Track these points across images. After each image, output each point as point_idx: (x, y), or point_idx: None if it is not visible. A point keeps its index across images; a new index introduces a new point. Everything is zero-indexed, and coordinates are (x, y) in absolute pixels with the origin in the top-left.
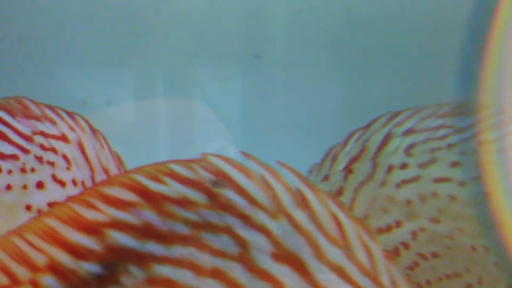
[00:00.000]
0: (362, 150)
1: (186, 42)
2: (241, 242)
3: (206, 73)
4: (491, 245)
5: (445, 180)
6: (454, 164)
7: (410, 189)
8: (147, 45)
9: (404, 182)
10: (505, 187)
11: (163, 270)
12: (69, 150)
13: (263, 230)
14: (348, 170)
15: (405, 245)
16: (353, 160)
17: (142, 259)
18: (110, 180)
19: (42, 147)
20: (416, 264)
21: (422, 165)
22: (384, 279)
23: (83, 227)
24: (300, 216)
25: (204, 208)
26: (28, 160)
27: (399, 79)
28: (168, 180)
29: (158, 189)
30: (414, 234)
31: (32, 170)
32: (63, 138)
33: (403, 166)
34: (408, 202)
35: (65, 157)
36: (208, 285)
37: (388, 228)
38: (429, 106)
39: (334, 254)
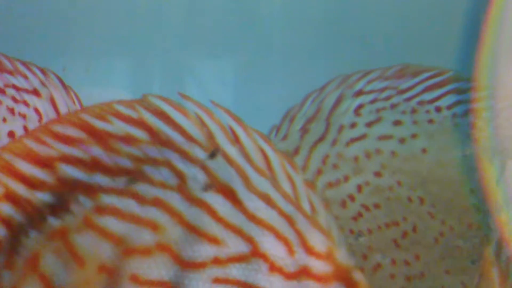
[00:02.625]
0: (317, 111)
1: (180, 29)
2: (179, 175)
3: (200, 61)
4: (425, 196)
5: (388, 138)
6: (396, 123)
7: (357, 146)
8: (140, 33)
9: (352, 140)
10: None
11: (109, 200)
12: (40, 104)
13: (199, 163)
14: (304, 130)
15: (351, 197)
16: (309, 120)
17: (90, 189)
18: (60, 119)
19: (14, 99)
20: (360, 214)
21: (368, 124)
22: (305, 205)
23: (36, 161)
24: (231, 150)
25: (146, 144)
26: (0, 110)
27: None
28: (113, 119)
29: (103, 127)
30: (359, 188)
31: (4, 120)
32: (35, 92)
33: (352, 125)
34: (356, 158)
35: (36, 110)
36: (149, 212)
37: (337, 183)
38: (377, 69)
39: (262, 183)
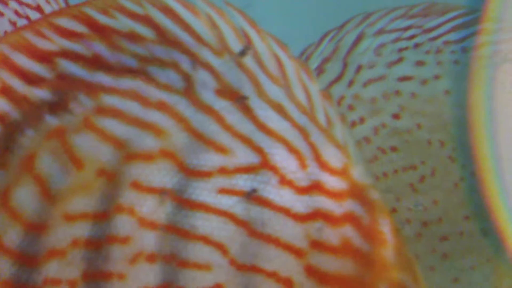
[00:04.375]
0: (334, 50)
1: None
2: (186, 78)
3: None
4: (446, 139)
5: (409, 79)
6: (419, 63)
7: (375, 87)
8: None
9: (370, 81)
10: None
11: (110, 100)
12: None
13: (208, 67)
14: (319, 70)
15: (367, 139)
16: (325, 60)
17: (91, 88)
18: (60, 11)
19: (17, 13)
20: (376, 157)
21: (389, 65)
22: (320, 117)
23: (35, 55)
24: None
25: (152, 43)
26: (2, 23)
27: None
28: (117, 14)
29: (107, 22)
30: (375, 130)
31: (5, 33)
32: (38, 8)
33: (371, 66)
34: (373, 100)
35: None
36: (153, 116)
37: (353, 124)
38: (401, 7)
39: (274, 92)
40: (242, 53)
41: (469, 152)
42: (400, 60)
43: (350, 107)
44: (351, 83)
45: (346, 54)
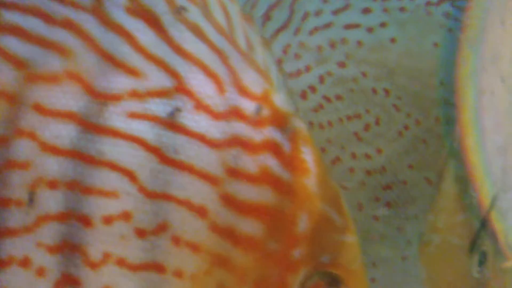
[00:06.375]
0: None
1: None
2: None
3: None
4: (391, 87)
5: (355, 27)
6: (365, 11)
7: (321, 35)
8: None
9: (316, 29)
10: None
11: (10, 16)
12: None
13: None
14: (266, 17)
15: (312, 88)
16: (272, 6)
17: None
18: None
19: None
20: (321, 106)
21: (335, 12)
22: (240, 40)
23: None
24: None
25: None
26: None
27: None
28: None
29: None
30: (321, 78)
31: None
32: None
33: (318, 13)
34: (319, 48)
35: None
36: (58, 35)
37: (298, 73)
38: None
39: (191, 11)
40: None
41: (414, 101)
42: (346, 7)
43: (296, 56)
44: (297, 31)
45: (293, 1)
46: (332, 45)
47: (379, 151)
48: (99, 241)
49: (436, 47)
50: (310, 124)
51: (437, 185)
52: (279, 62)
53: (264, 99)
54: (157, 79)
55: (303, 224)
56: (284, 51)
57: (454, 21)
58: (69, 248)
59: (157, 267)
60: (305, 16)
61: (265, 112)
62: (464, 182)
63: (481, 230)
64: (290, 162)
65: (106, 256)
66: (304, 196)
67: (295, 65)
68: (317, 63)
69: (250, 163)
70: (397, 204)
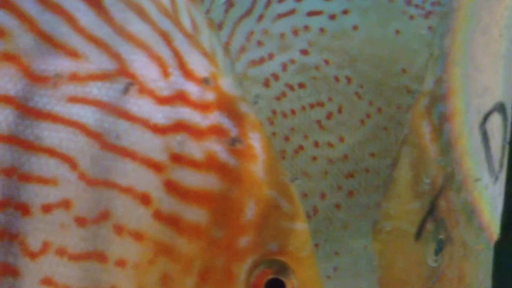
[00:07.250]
0: None
1: None
2: None
3: None
4: (353, 75)
5: (317, 14)
6: None
7: (284, 22)
8: None
9: (280, 16)
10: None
11: None
12: None
13: None
14: (229, 4)
15: (275, 76)
16: None
17: None
18: None
19: None
20: (284, 94)
21: None
22: (185, 22)
23: None
24: None
25: None
26: None
27: None
28: None
29: None
30: (284, 66)
31: None
32: None
33: (281, 0)
34: (282, 35)
35: None
36: None
37: (261, 61)
38: None
39: None
40: None
41: (376, 88)
42: None
43: (259, 43)
44: (260, 17)
45: None
46: (295, 32)
47: (341, 139)
48: (38, 230)
49: (398, 34)
50: (273, 112)
51: (391, 172)
52: (242, 50)
53: (210, 83)
54: (98, 61)
55: (249, 211)
56: (247, 39)
57: (416, 8)
58: (7, 237)
59: (99, 256)
60: (269, 2)
61: (211, 96)
62: (418, 169)
63: (428, 216)
64: (237, 148)
65: (46, 246)
66: (251, 183)
67: (258, 52)
68: (280, 50)
69: (195, 149)
70: (359, 192)
